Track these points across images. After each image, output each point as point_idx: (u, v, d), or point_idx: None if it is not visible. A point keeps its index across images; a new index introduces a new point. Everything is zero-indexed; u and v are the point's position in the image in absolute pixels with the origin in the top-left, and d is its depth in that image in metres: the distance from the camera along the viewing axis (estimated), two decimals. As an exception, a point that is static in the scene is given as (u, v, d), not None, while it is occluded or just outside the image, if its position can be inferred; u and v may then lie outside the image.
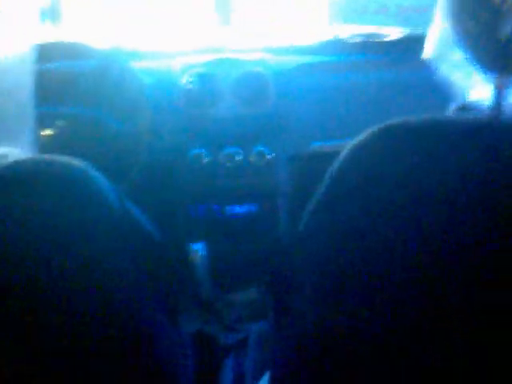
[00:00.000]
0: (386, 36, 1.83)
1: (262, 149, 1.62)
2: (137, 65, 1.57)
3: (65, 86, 1.51)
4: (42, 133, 1.38)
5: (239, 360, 1.73)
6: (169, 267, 1.13)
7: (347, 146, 0.86)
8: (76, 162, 0.85)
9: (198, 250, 1.51)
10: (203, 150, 1.61)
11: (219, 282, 1.63)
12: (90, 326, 0.81)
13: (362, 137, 0.84)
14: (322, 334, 0.81)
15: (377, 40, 1.82)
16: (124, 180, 1.43)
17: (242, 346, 1.73)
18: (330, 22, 1.90)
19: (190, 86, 1.61)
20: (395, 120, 0.82)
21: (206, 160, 1.61)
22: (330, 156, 1.65)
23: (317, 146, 1.66)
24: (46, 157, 0.86)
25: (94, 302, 0.81)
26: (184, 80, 1.62)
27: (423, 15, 1.85)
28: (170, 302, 1.09)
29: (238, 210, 1.67)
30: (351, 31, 1.83)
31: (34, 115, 0.93)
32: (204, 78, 1.63)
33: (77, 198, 0.82)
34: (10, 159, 0.83)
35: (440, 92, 1.59)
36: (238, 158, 1.62)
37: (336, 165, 0.87)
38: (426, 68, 1.69)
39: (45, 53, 1.42)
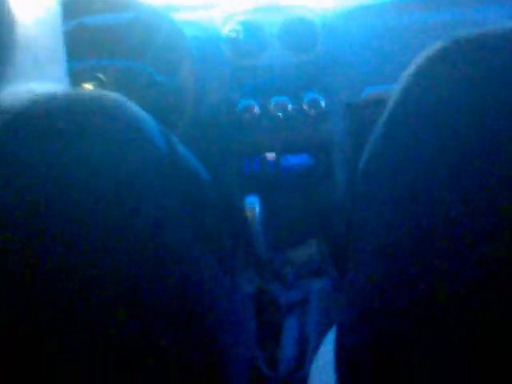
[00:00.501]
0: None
1: (314, 96, 1.54)
2: (177, 16, 1.50)
3: (105, 39, 1.46)
4: (83, 86, 1.33)
5: (302, 319, 1.67)
6: (221, 217, 1.05)
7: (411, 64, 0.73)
8: (112, 95, 0.74)
9: (252, 203, 1.45)
10: (252, 101, 1.54)
11: (275, 237, 1.58)
12: (138, 277, 0.72)
13: (429, 51, 0.70)
14: (386, 289, 0.72)
15: None
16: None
17: (304, 305, 1.67)
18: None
19: (234, 35, 1.54)
20: (471, 31, 0.68)
21: (256, 111, 1.54)
22: (386, 102, 1.58)
23: (372, 91, 1.57)
24: (77, 91, 0.78)
25: (141, 250, 0.72)
26: (227, 29, 1.55)
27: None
28: (226, 256, 1.01)
29: (293, 161, 1.60)
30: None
31: (65, 49, 0.85)
32: (248, 26, 1.55)
33: (114, 135, 0.71)
34: (37, 94, 0.73)
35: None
36: (290, 107, 1.54)
37: (399, 87, 0.73)
38: (490, 7, 1.60)
39: (83, 5, 1.37)
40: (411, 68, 0.72)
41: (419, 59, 0.72)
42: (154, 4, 1.44)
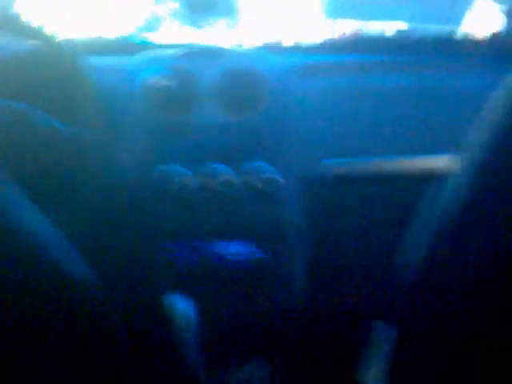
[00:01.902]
0: (407, 34, 1.46)
1: (258, 164, 1.19)
2: (90, 59, 1.16)
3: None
4: None
5: None
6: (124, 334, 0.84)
7: None
8: None
9: (181, 307, 1.06)
10: (178, 167, 1.20)
11: (210, 353, 1.22)
12: None
13: None
14: None
15: (399, 38, 1.47)
16: (64, 205, 1.03)
17: None
18: (327, 15, 1.50)
19: (158, 83, 1.19)
20: None
21: (180, 180, 1.19)
22: (348, 179, 1.27)
23: (330, 164, 1.26)
24: None
25: None
26: (150, 76, 1.20)
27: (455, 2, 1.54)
28: None
29: (233, 250, 1.24)
30: (370, 26, 1.46)
31: None
32: (176, 73, 1.24)
33: None
34: None
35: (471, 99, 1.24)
36: (226, 176, 1.19)
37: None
38: (455, 73, 1.36)
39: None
40: None
41: None
42: (61, 37, 1.08)
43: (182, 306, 1.08)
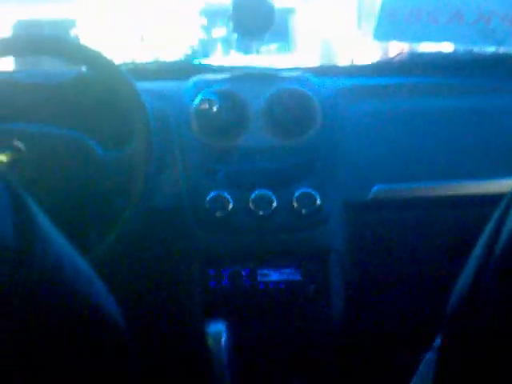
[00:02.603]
0: (462, 56, 1.43)
1: (307, 191, 1.18)
2: (141, 85, 1.13)
3: (31, 98, 1.12)
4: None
5: None
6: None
7: None
8: None
9: (218, 332, 1.06)
10: (226, 193, 1.19)
11: (246, 376, 1.21)
12: None
13: None
14: None
15: (452, 60, 1.42)
16: (110, 230, 1.03)
17: None
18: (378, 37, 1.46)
19: (206, 107, 1.19)
20: None
21: (230, 206, 1.18)
22: (399, 204, 1.24)
23: (383, 189, 1.23)
24: None
25: None
26: (199, 100, 1.21)
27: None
28: None
29: (275, 276, 1.22)
30: (421, 49, 1.43)
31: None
32: (225, 98, 1.23)
33: None
34: None
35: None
36: (275, 203, 1.18)
37: None
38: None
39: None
40: None
41: None
42: (114, 61, 1.09)
43: (217, 330, 1.08)
